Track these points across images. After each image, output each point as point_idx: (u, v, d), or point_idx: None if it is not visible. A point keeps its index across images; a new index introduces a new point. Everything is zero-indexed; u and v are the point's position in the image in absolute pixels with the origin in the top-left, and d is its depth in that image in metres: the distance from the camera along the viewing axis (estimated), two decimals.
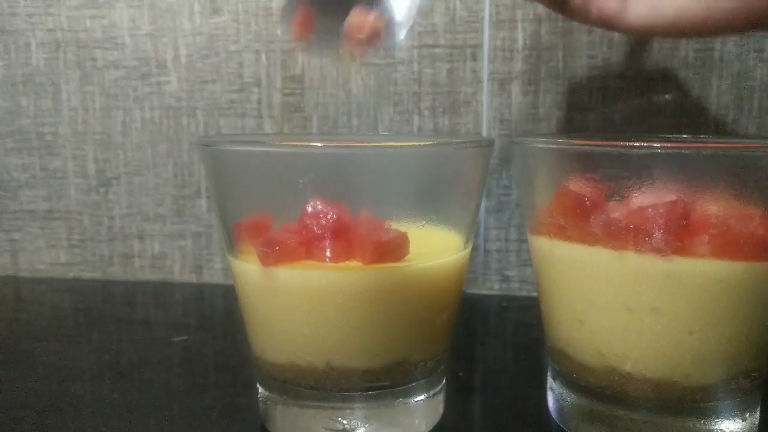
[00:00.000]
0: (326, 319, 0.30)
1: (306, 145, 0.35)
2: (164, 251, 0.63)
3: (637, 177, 0.29)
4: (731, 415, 0.30)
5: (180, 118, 0.60)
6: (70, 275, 0.65)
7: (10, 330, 0.51)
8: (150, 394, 0.39)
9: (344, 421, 0.31)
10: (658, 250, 0.28)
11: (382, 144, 0.41)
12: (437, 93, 0.56)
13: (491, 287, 0.59)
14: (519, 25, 0.54)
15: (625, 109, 0.54)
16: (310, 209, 0.29)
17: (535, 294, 0.36)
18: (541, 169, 0.33)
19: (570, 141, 0.34)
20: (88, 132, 0.62)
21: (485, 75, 0.56)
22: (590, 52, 0.54)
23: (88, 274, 0.64)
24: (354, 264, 0.29)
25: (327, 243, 0.29)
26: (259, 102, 0.59)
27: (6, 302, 0.59)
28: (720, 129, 0.53)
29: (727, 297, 0.28)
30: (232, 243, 0.32)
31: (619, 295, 0.29)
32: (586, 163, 0.31)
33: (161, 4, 0.59)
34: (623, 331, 0.30)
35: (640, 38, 0.52)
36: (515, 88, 0.55)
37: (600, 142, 0.32)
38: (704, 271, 0.28)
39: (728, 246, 0.27)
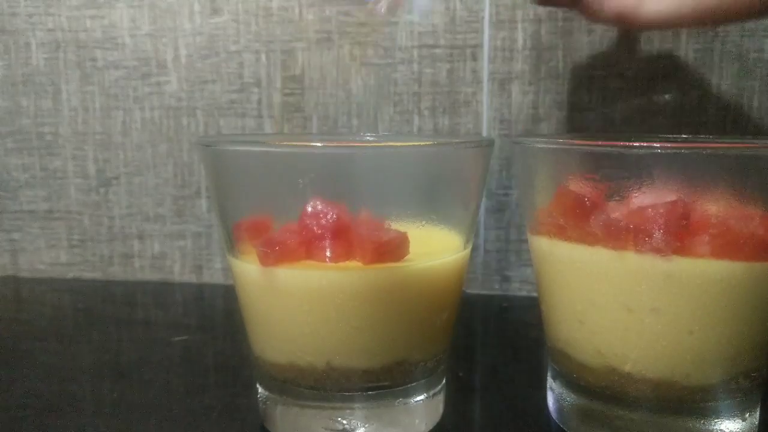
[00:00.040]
0: (326, 319, 0.30)
1: (306, 145, 0.35)
2: (164, 251, 0.63)
3: (637, 177, 0.29)
4: (731, 415, 0.30)
5: (180, 118, 0.60)
6: (70, 275, 0.65)
7: (10, 330, 0.51)
8: (150, 394, 0.39)
9: (344, 421, 0.31)
10: (658, 250, 0.28)
11: (382, 144, 0.41)
12: (437, 93, 0.56)
13: (491, 287, 0.59)
14: (519, 25, 0.54)
15: (625, 109, 0.54)
16: (310, 209, 0.29)
17: (535, 294, 0.36)
18: (541, 169, 0.33)
19: (570, 141, 0.34)
20: (88, 132, 0.62)
21: (485, 75, 0.56)
22: (590, 52, 0.54)
23: (88, 274, 0.64)
24: (354, 264, 0.29)
25: (327, 243, 0.29)
26: (259, 102, 0.59)
27: (6, 302, 0.59)
28: (720, 129, 0.53)
29: (727, 297, 0.28)
30: (232, 243, 0.32)
31: (619, 295, 0.29)
32: (586, 163, 0.31)
33: (161, 4, 0.59)
34: (623, 331, 0.30)
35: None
36: (515, 88, 0.55)
37: (600, 142, 0.32)
38: (704, 271, 0.28)
39: (728, 246, 0.27)
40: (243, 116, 0.60)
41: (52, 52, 0.61)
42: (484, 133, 0.56)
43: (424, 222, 0.31)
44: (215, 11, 0.58)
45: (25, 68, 0.62)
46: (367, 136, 0.53)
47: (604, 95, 0.54)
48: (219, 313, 0.56)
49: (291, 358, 0.31)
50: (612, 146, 0.30)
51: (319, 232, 0.29)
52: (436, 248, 0.32)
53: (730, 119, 0.53)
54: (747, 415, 0.31)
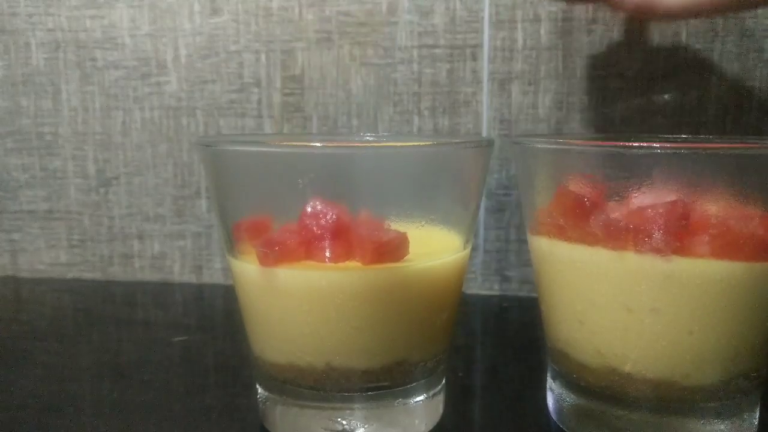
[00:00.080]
0: (326, 320, 0.30)
1: (306, 146, 0.35)
2: (164, 251, 0.63)
3: (636, 177, 0.29)
4: (731, 416, 0.30)
5: (180, 118, 0.60)
6: (70, 275, 0.65)
7: (10, 330, 0.51)
8: (150, 394, 0.39)
9: (344, 422, 0.31)
10: (657, 251, 0.28)
11: (382, 144, 0.41)
12: (437, 93, 0.56)
13: (491, 287, 0.59)
14: (519, 25, 0.54)
15: (625, 109, 0.54)
16: (309, 209, 0.29)
17: (534, 294, 0.36)
18: (541, 170, 0.33)
19: (570, 141, 0.34)
20: (88, 132, 0.62)
21: (485, 75, 0.56)
22: (590, 52, 0.54)
23: (88, 275, 0.64)
24: (354, 264, 0.29)
25: (327, 243, 0.29)
26: (259, 102, 0.59)
27: (6, 302, 0.59)
28: (720, 129, 0.53)
29: (727, 297, 0.28)
30: (231, 243, 0.32)
31: (618, 295, 0.29)
32: (585, 164, 0.31)
33: (161, 5, 0.59)
34: (623, 331, 0.30)
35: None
36: (515, 88, 0.55)
37: (600, 142, 0.32)
38: (704, 272, 0.28)
39: (728, 246, 0.27)
40: (243, 116, 0.60)
41: (52, 52, 0.61)
42: (484, 134, 0.56)
43: (423, 222, 0.31)
44: (215, 11, 0.58)
45: (25, 68, 0.62)
46: (367, 136, 0.53)
47: (604, 95, 0.54)
48: (219, 314, 0.56)
49: (291, 358, 0.31)
50: (612, 146, 0.30)
51: (319, 232, 0.29)
52: (435, 248, 0.32)
53: (729, 119, 0.53)
54: (746, 416, 0.31)
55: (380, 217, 0.30)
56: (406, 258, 0.30)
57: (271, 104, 0.59)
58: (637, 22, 0.53)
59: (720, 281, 0.28)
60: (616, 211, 0.29)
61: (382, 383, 0.31)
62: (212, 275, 0.63)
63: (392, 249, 0.29)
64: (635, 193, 0.29)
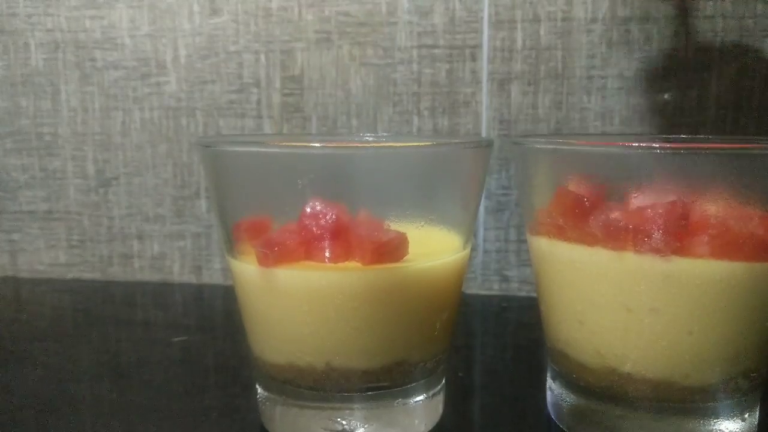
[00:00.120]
0: (325, 320, 0.30)
1: (305, 146, 0.35)
2: (164, 252, 0.63)
3: (636, 177, 0.29)
4: (730, 416, 0.30)
5: (179, 119, 0.60)
6: (70, 276, 0.65)
7: (10, 330, 0.51)
8: (149, 394, 0.39)
9: (343, 422, 0.31)
10: (657, 251, 0.28)
11: (382, 144, 0.41)
12: (437, 93, 0.56)
13: (490, 287, 0.59)
14: (518, 26, 0.54)
15: (625, 109, 0.54)
16: (309, 210, 0.29)
17: (534, 294, 0.36)
18: (540, 170, 0.33)
19: (569, 141, 0.34)
20: (87, 132, 0.62)
21: (484, 75, 0.56)
22: (589, 52, 0.54)
23: (87, 275, 0.64)
24: (353, 264, 0.29)
25: (326, 243, 0.29)
26: (259, 102, 0.59)
27: (5, 303, 0.59)
28: (719, 129, 0.53)
29: (727, 297, 0.28)
30: (231, 243, 0.32)
31: (618, 295, 0.29)
32: (585, 164, 0.31)
33: (161, 5, 0.59)
34: (623, 331, 0.30)
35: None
36: (514, 89, 0.55)
37: (599, 143, 0.32)
38: (703, 272, 0.28)
39: (727, 246, 0.27)
40: (242, 116, 0.60)
41: (52, 53, 0.61)
42: (484, 134, 0.56)
43: (423, 222, 0.31)
44: (214, 11, 0.58)
45: (25, 69, 0.62)
46: (367, 136, 0.53)
47: (604, 95, 0.54)
48: (218, 314, 0.56)
49: (290, 358, 0.31)
50: (611, 146, 0.30)
51: (319, 232, 0.29)
52: (435, 249, 0.32)
53: (729, 119, 0.53)
54: (746, 416, 0.31)
55: (380, 217, 0.30)
56: (405, 258, 0.30)
57: (271, 104, 0.59)
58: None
59: (719, 281, 0.28)
60: (615, 212, 0.29)
61: (381, 383, 0.31)
62: (212, 275, 0.63)
63: (392, 249, 0.29)
64: (635, 193, 0.29)
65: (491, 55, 0.55)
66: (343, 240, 0.29)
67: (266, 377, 0.33)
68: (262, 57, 0.58)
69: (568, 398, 0.33)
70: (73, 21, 0.60)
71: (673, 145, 0.28)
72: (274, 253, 0.29)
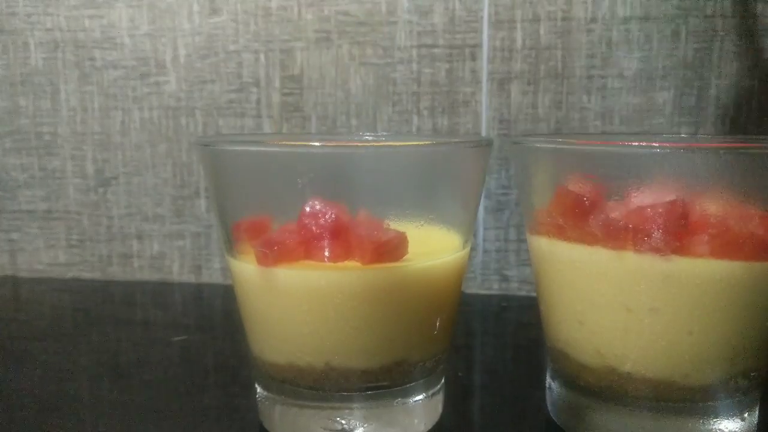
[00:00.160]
0: (325, 319, 0.30)
1: (305, 145, 0.35)
2: (163, 251, 0.63)
3: (636, 177, 0.28)
4: (730, 415, 0.30)
5: (179, 118, 0.60)
6: (69, 275, 0.64)
7: (9, 330, 0.51)
8: (149, 394, 0.38)
9: (343, 421, 0.31)
10: (657, 250, 0.28)
11: (381, 144, 0.41)
12: (436, 93, 0.56)
13: (490, 287, 0.59)
14: (518, 25, 0.54)
15: (624, 109, 0.54)
16: (308, 209, 0.29)
17: (534, 294, 0.36)
18: (540, 169, 0.33)
19: (569, 141, 0.34)
20: (86, 132, 0.62)
21: (484, 75, 0.56)
22: (589, 52, 0.54)
23: (87, 274, 0.64)
24: (353, 264, 0.29)
25: (326, 243, 0.29)
26: (258, 102, 0.59)
27: (5, 302, 0.59)
28: (719, 129, 0.53)
29: (726, 297, 0.28)
30: (231, 243, 0.32)
31: (618, 295, 0.29)
32: (585, 163, 0.31)
33: (160, 4, 0.59)
34: (623, 331, 0.30)
35: None
36: (514, 88, 0.55)
37: (599, 142, 0.32)
38: (703, 271, 0.28)
39: (727, 246, 0.27)
40: (242, 116, 0.60)
41: (51, 52, 0.61)
42: (483, 133, 0.56)
43: (423, 222, 0.31)
44: (214, 11, 0.58)
45: (24, 68, 0.62)
46: (366, 135, 0.53)
47: (603, 95, 0.54)
48: (218, 313, 0.56)
49: (290, 358, 0.31)
50: (611, 146, 0.30)
51: (318, 232, 0.29)
52: (435, 248, 0.31)
53: (729, 119, 0.53)
54: (746, 415, 0.31)
55: (379, 216, 0.30)
56: (405, 258, 0.30)
57: (270, 104, 0.59)
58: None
59: (719, 281, 0.28)
60: (615, 211, 0.29)
61: (381, 383, 0.31)
62: (211, 275, 0.63)
63: (391, 249, 0.29)
64: (634, 192, 0.29)
65: (491, 54, 0.55)
66: (342, 239, 0.29)
67: (266, 377, 0.33)
68: (262, 56, 0.58)
69: (568, 398, 0.33)
70: (73, 20, 0.60)
71: (672, 145, 0.28)
72: (273, 253, 0.29)
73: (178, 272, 0.63)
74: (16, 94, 0.62)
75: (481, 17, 0.55)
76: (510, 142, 0.35)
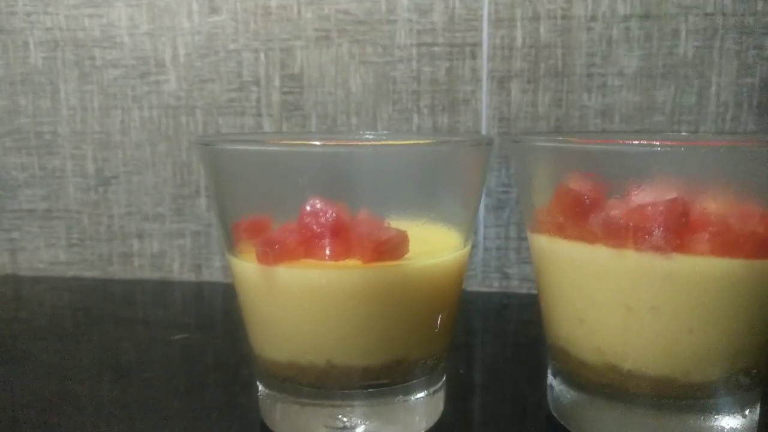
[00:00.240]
0: (326, 318, 0.30)
1: (305, 144, 0.35)
2: (163, 250, 0.63)
3: (636, 175, 0.28)
4: (731, 412, 0.30)
5: (179, 117, 0.60)
6: (70, 274, 0.65)
7: (10, 329, 0.51)
8: (150, 392, 0.39)
9: (344, 419, 0.31)
10: (657, 248, 0.28)
11: (381, 143, 0.41)
12: (436, 91, 0.56)
13: (491, 285, 0.59)
14: (518, 24, 0.54)
15: (625, 107, 0.54)
16: (309, 208, 0.29)
17: (534, 291, 0.36)
18: (540, 168, 0.33)
19: (569, 139, 0.34)
20: (86, 131, 0.62)
21: (484, 73, 0.56)
22: (589, 50, 0.54)
23: (87, 273, 0.64)
24: (353, 263, 0.29)
25: (326, 242, 0.29)
26: (258, 101, 0.59)
27: (5, 301, 0.59)
28: (719, 127, 0.53)
29: (727, 295, 0.28)
30: (231, 242, 0.32)
31: (618, 293, 0.29)
32: (585, 162, 0.31)
33: (160, 3, 0.59)
34: (623, 329, 0.30)
35: None
36: (514, 87, 0.55)
37: (599, 141, 0.32)
38: (704, 269, 0.28)
39: (728, 244, 0.27)
40: (242, 115, 0.59)
41: (51, 51, 0.61)
42: (484, 132, 0.56)
43: (423, 220, 0.31)
44: (214, 10, 0.58)
45: (24, 67, 0.62)
46: (366, 134, 0.53)
47: (604, 93, 0.54)
48: (218, 312, 0.56)
49: (291, 356, 0.31)
50: (611, 144, 0.30)
51: (319, 230, 0.29)
52: (435, 246, 0.32)
53: (729, 117, 0.53)
54: (747, 412, 0.31)
55: (380, 215, 0.30)
56: (405, 256, 0.30)
57: (270, 103, 0.59)
58: None
59: (720, 279, 0.28)
60: (615, 209, 0.29)
61: (382, 381, 0.31)
62: (212, 274, 0.63)
63: (392, 247, 0.29)
64: (635, 191, 0.29)
65: (491, 52, 0.55)
66: (343, 238, 0.29)
67: (267, 375, 0.33)
68: (262, 55, 0.58)
69: (569, 395, 0.33)
70: (72, 19, 0.60)
71: (672, 143, 0.28)
72: (274, 251, 0.29)
73: (179, 271, 0.63)
74: (15, 94, 0.62)
75: (481, 15, 0.55)
76: (510, 140, 0.35)
